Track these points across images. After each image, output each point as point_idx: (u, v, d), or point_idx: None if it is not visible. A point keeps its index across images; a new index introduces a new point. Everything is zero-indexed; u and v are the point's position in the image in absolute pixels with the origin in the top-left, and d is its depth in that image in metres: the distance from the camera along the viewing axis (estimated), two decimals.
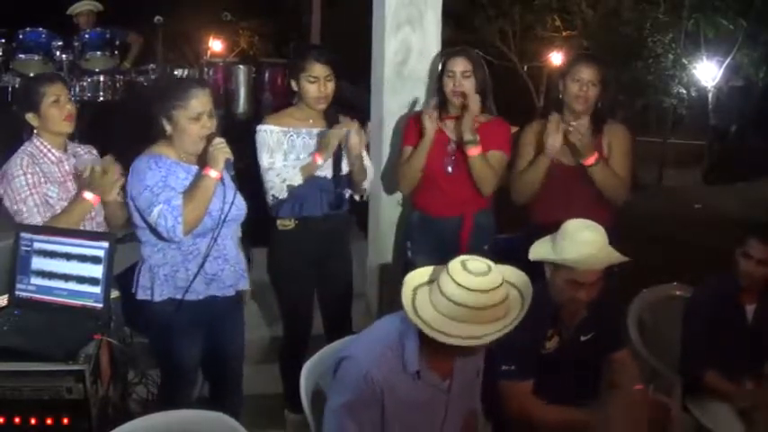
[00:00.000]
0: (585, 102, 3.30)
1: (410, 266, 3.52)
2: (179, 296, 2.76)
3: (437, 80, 3.51)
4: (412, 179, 3.49)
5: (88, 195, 2.79)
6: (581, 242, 2.64)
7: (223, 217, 2.73)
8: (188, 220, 2.63)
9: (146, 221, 2.70)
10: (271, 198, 3.24)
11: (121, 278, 2.84)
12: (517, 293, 2.14)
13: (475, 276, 2.04)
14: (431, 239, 3.50)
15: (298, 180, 3.20)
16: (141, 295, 2.78)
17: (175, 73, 7.25)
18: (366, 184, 3.40)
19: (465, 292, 2.02)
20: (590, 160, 3.26)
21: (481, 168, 3.36)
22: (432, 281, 2.15)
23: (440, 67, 3.51)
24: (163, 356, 2.89)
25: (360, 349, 2.20)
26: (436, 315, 2.05)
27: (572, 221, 2.72)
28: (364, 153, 3.36)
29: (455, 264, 2.08)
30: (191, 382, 2.91)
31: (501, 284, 2.06)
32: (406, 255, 3.62)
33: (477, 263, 2.08)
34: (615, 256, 2.68)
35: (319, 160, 3.20)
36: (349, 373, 2.16)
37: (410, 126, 3.56)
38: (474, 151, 3.33)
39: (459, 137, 3.37)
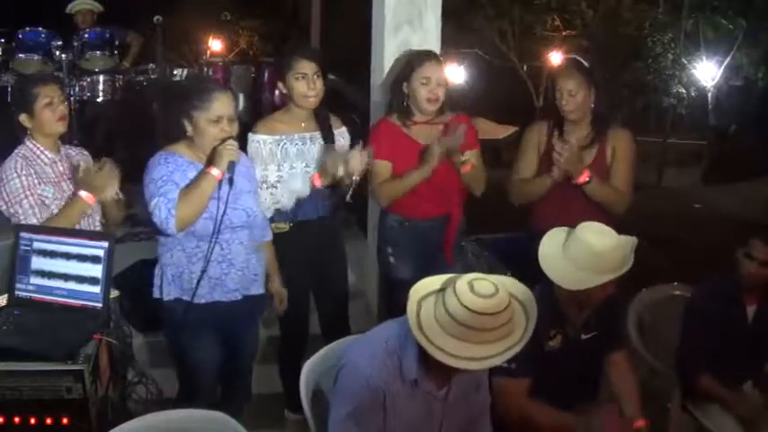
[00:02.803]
0: (575, 110, 3.30)
1: (394, 272, 3.45)
2: (185, 297, 2.77)
3: (400, 83, 3.35)
4: (394, 198, 3.35)
5: (83, 194, 2.79)
6: (585, 259, 2.57)
7: (219, 220, 2.70)
8: (181, 214, 2.63)
9: None
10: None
11: (121, 278, 2.85)
12: (521, 309, 2.12)
13: (482, 299, 2.01)
14: (413, 242, 3.42)
15: (290, 205, 3.18)
16: (155, 293, 2.83)
17: (174, 72, 7.26)
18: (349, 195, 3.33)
19: (470, 314, 2.00)
20: (581, 179, 3.24)
21: (473, 176, 3.36)
22: (436, 293, 2.13)
23: (404, 75, 3.33)
24: (176, 356, 2.91)
25: (359, 356, 2.18)
26: (440, 332, 2.04)
27: (587, 226, 2.64)
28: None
29: (462, 283, 2.05)
30: (205, 384, 2.90)
31: (507, 306, 2.04)
32: (388, 261, 3.48)
33: (484, 283, 2.04)
34: (610, 275, 2.58)
35: (318, 183, 3.16)
36: (350, 380, 2.15)
37: (379, 137, 3.36)
38: (466, 168, 3.30)
39: (432, 139, 3.29)
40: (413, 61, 3.33)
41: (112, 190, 2.83)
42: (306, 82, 3.14)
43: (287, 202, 3.18)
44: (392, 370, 2.15)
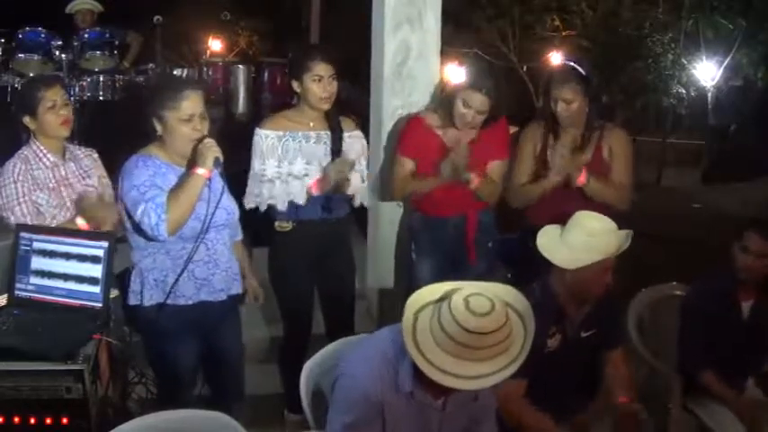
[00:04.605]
0: (570, 119, 3.29)
1: (414, 267, 3.55)
2: (168, 301, 2.73)
3: (446, 95, 3.44)
4: (408, 195, 3.50)
5: (79, 221, 2.79)
6: (584, 240, 2.64)
7: (208, 220, 2.68)
8: (172, 218, 2.58)
9: (133, 223, 2.67)
10: (252, 205, 3.24)
11: (121, 278, 2.84)
12: (519, 321, 2.08)
13: (477, 317, 1.96)
14: (435, 239, 3.50)
15: (283, 207, 3.20)
16: (132, 300, 2.76)
17: (174, 72, 7.26)
18: (358, 200, 3.39)
19: (466, 333, 1.96)
20: (580, 180, 3.24)
21: (484, 190, 3.38)
22: (434, 303, 2.09)
23: (452, 89, 3.38)
24: (156, 361, 2.87)
25: (356, 367, 2.17)
26: (435, 348, 2.00)
27: (583, 212, 2.73)
28: (360, 160, 3.36)
29: (458, 299, 2.00)
30: (186, 385, 2.89)
31: (504, 323, 2.00)
32: (410, 256, 3.59)
33: (481, 300, 1.99)
34: (612, 249, 2.65)
35: (315, 191, 3.19)
36: (348, 392, 2.14)
37: (409, 133, 3.48)
38: (474, 184, 3.32)
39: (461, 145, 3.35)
40: (463, 83, 3.32)
41: (111, 222, 2.80)
42: (322, 84, 3.17)
43: (281, 204, 3.20)
44: (389, 381, 2.13)
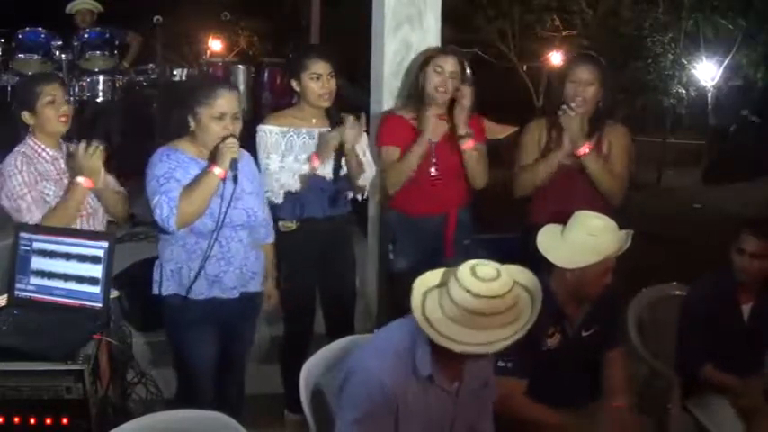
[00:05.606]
0: (584, 102, 3.28)
1: (393, 268, 3.53)
2: (183, 293, 2.79)
3: (415, 77, 3.43)
4: (402, 180, 3.42)
5: (80, 179, 2.80)
6: (583, 240, 2.64)
7: (221, 219, 2.71)
8: (182, 212, 2.65)
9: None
10: (268, 201, 3.24)
11: (120, 278, 2.85)
12: (527, 295, 2.11)
13: (484, 282, 2.01)
14: (413, 238, 3.48)
15: (296, 186, 3.20)
16: (155, 289, 2.84)
17: (174, 72, 7.26)
18: (364, 182, 3.37)
19: (474, 298, 2.00)
20: (583, 149, 3.25)
21: (476, 161, 3.38)
22: (441, 284, 2.13)
23: (421, 64, 3.41)
24: (175, 351, 2.92)
25: (369, 362, 2.16)
26: (445, 320, 2.03)
27: (583, 212, 2.74)
28: (364, 150, 3.36)
29: (464, 269, 2.05)
30: (205, 379, 2.90)
31: (511, 289, 2.04)
32: (388, 256, 3.57)
33: (486, 268, 2.05)
34: (613, 249, 2.66)
35: (316, 163, 3.19)
36: (361, 386, 2.13)
37: (385, 126, 3.49)
38: (469, 144, 3.33)
39: (439, 136, 3.36)
40: (430, 53, 3.43)
41: (100, 175, 2.83)
42: (320, 82, 3.19)
43: (292, 182, 3.19)
44: (405, 371, 2.13)
